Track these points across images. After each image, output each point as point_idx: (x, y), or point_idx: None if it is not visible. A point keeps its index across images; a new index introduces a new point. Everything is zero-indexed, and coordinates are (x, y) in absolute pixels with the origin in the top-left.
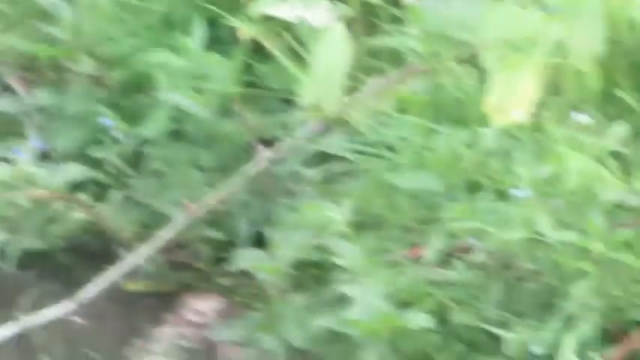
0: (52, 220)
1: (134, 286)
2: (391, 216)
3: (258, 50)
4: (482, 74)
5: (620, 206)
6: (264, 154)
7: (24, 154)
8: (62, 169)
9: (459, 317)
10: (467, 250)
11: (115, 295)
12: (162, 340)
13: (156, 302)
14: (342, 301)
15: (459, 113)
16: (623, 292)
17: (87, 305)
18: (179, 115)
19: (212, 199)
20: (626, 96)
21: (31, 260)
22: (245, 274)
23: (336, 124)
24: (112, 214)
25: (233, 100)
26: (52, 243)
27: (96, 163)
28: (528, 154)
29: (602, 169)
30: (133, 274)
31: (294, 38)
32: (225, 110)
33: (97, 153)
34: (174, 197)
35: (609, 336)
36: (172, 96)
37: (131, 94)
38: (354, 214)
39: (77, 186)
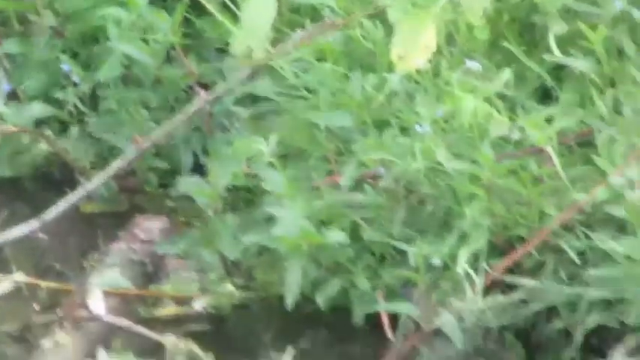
0: (20, 152)
1: (91, 208)
2: (311, 148)
3: (196, 6)
4: (388, 28)
5: (505, 140)
6: (203, 96)
7: None
8: (28, 108)
9: (370, 234)
10: (376, 177)
11: (75, 215)
12: (115, 254)
13: (110, 222)
14: (270, 220)
15: (369, 61)
16: (509, 212)
17: (51, 224)
18: (128, 62)
19: (158, 134)
20: (510, 46)
21: (1, 186)
22: (187, 197)
23: (263, 70)
24: (72, 147)
25: (175, 49)
26: (20, 171)
27: (58, 103)
28: (428, 96)
29: (490, 108)
30: (90, 197)
31: None
32: (168, 58)
33: (59, 94)
34: (126, 132)
35: (497, 249)
36: (122, 45)
37: (87, 43)
38: (279, 147)
39: (41, 123)
